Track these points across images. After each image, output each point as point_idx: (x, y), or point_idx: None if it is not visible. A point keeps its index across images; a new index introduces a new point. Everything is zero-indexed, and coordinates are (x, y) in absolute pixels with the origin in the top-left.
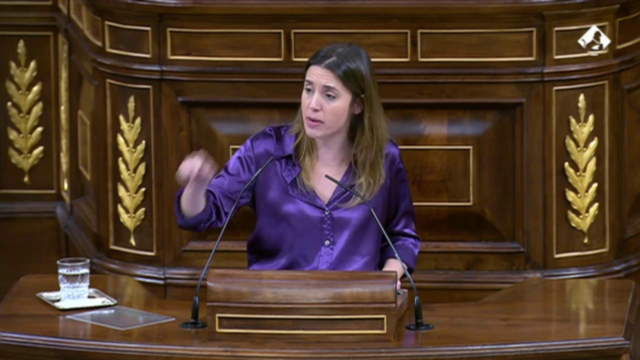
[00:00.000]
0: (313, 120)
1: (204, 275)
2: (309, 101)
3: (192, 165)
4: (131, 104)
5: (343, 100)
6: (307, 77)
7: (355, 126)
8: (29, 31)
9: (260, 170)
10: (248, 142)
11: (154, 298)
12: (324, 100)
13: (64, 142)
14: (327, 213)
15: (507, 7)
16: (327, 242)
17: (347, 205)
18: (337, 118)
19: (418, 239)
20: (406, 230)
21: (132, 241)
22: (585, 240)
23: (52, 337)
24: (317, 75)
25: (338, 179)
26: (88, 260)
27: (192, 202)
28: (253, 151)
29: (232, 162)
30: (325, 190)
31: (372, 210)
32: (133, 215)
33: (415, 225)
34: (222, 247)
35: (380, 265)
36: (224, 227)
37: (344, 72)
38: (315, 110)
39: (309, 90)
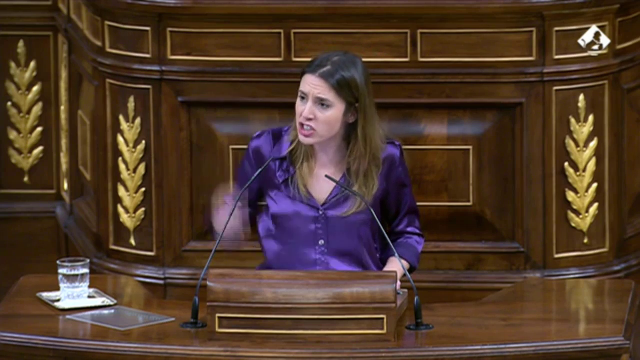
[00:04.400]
0: (305, 129)
1: (204, 275)
2: (303, 109)
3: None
4: (131, 104)
5: (336, 110)
6: (301, 87)
7: (349, 134)
8: (29, 31)
9: (257, 172)
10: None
11: (154, 298)
12: (316, 109)
13: (64, 142)
14: (321, 212)
15: (507, 7)
16: (321, 242)
17: (343, 213)
18: (329, 127)
19: (422, 237)
20: (409, 229)
21: (132, 241)
22: (585, 240)
23: (52, 337)
24: (311, 85)
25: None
26: (88, 260)
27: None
28: (250, 150)
29: (242, 173)
30: (322, 193)
31: (372, 211)
32: (133, 215)
33: (419, 222)
34: (222, 247)
35: (383, 263)
36: (225, 227)
37: (337, 82)
38: (309, 119)
39: (303, 98)
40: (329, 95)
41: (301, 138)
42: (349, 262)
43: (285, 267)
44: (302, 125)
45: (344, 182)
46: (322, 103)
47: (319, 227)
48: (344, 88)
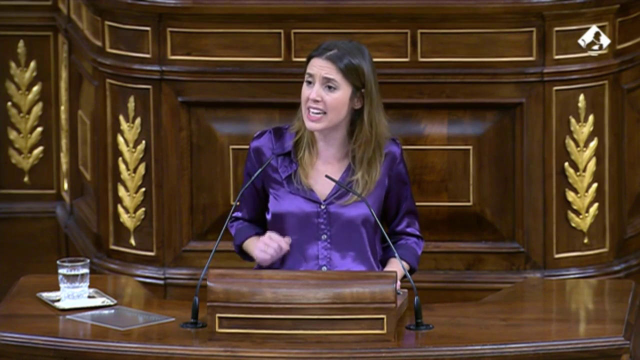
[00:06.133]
0: (313, 113)
1: (204, 275)
2: (309, 92)
3: (277, 250)
4: (131, 104)
5: (343, 92)
6: (308, 70)
7: (355, 122)
8: (29, 31)
9: (259, 171)
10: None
11: (154, 298)
12: (323, 91)
13: (64, 142)
14: (323, 207)
15: (507, 7)
16: (324, 237)
17: (343, 202)
18: (337, 110)
19: (421, 239)
20: (409, 230)
21: (132, 241)
22: (585, 240)
23: (52, 337)
24: (318, 67)
25: (338, 176)
26: (88, 260)
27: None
28: (251, 150)
29: (245, 175)
30: (324, 187)
31: (371, 208)
32: (133, 215)
33: (419, 224)
34: (222, 247)
35: (383, 264)
36: (224, 227)
37: (345, 65)
38: (316, 101)
39: (309, 82)
40: (336, 76)
41: (308, 124)
42: (352, 259)
43: (289, 262)
44: (309, 110)
45: (345, 177)
46: (329, 84)
47: (321, 222)
48: (351, 72)
